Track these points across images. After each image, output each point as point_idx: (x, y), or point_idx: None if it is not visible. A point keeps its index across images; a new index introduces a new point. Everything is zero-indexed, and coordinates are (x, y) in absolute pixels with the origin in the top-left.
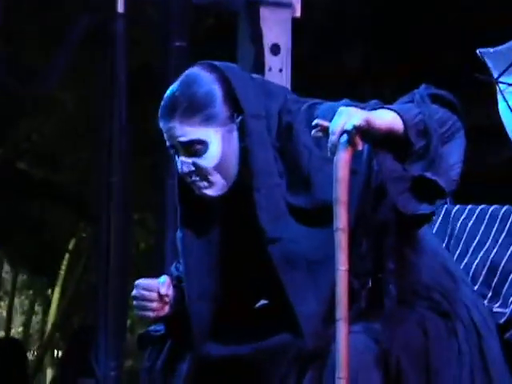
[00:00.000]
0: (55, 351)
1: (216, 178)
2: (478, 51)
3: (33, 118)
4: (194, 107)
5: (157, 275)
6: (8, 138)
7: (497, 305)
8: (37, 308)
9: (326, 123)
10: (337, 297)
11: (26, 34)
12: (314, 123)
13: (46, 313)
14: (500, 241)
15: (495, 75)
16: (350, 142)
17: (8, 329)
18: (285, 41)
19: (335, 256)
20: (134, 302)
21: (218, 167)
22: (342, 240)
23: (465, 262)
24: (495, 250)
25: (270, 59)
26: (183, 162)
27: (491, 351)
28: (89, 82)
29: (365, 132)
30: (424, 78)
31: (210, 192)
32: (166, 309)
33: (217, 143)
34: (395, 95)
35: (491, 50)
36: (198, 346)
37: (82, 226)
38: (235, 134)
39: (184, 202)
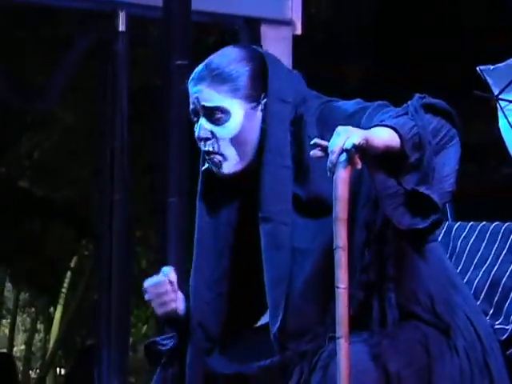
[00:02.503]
0: (57, 369)
1: (230, 152)
2: (478, 68)
3: (34, 135)
4: (223, 77)
5: None
6: (9, 156)
7: (498, 321)
8: (39, 326)
9: (324, 143)
10: (337, 315)
11: (27, 51)
12: (312, 142)
13: (48, 331)
14: (501, 257)
15: (495, 92)
16: (350, 161)
17: (10, 347)
18: (285, 58)
19: (335, 274)
20: (153, 304)
21: (234, 141)
22: (342, 258)
23: (466, 278)
24: (496, 267)
25: None
26: (202, 127)
27: (496, 367)
28: (90, 99)
29: (364, 151)
30: (424, 93)
31: (222, 169)
32: (180, 296)
33: (239, 116)
34: None
35: (491, 67)
36: (198, 341)
37: (84, 243)
38: (259, 115)
39: (205, 181)
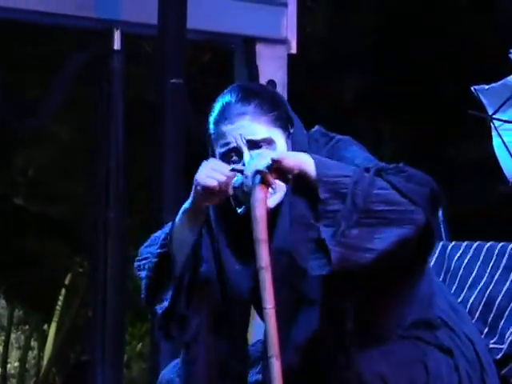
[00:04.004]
0: None
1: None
2: (472, 88)
3: (29, 151)
4: (264, 108)
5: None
6: (4, 172)
7: (493, 340)
8: (33, 343)
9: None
10: (267, 335)
11: (22, 67)
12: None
13: (42, 348)
14: (496, 277)
15: (490, 112)
16: (263, 182)
17: (4, 364)
18: (281, 77)
19: (261, 295)
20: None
21: None
22: (266, 279)
23: (461, 298)
24: (491, 286)
25: None
26: None
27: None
28: (86, 116)
29: (277, 171)
30: (419, 111)
31: (269, 203)
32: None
33: (282, 145)
34: (390, 128)
35: (486, 86)
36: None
37: (79, 260)
38: (290, 143)
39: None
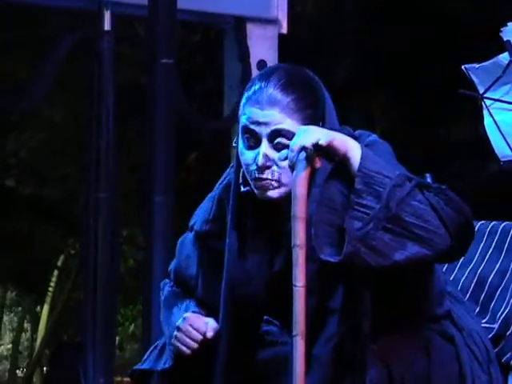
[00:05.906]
0: (44, 368)
1: (287, 180)
2: (463, 67)
3: (20, 134)
4: (300, 103)
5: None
6: None
7: (485, 320)
8: (26, 325)
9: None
10: (294, 313)
11: (12, 49)
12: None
13: (35, 330)
14: (487, 256)
15: (480, 91)
16: (308, 160)
17: None
18: (271, 57)
19: (293, 273)
20: (177, 333)
21: None
22: (299, 256)
23: (452, 277)
24: (483, 265)
25: None
26: (265, 156)
27: (498, 377)
28: (77, 98)
29: (324, 151)
30: (409, 90)
31: (271, 193)
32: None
33: None
34: (381, 107)
35: (476, 65)
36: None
37: (71, 242)
38: None
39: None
